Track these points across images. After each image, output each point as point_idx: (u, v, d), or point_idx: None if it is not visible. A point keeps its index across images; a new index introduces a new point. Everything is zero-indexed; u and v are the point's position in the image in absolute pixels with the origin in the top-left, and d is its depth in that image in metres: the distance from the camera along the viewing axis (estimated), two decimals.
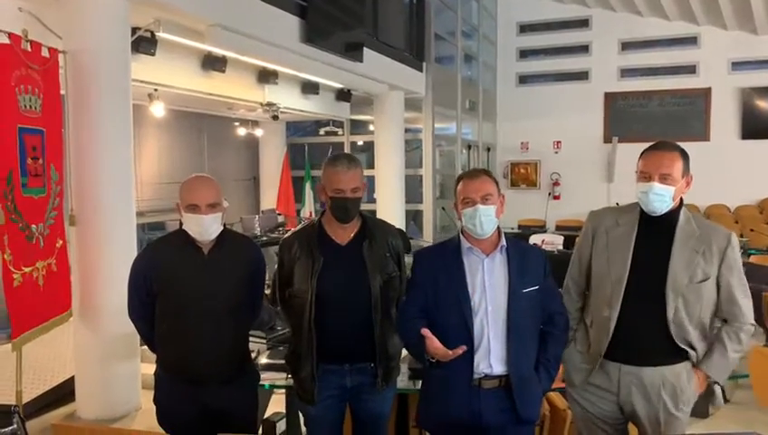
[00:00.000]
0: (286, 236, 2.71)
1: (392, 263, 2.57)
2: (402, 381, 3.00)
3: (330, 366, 2.51)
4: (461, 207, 2.31)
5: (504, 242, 2.33)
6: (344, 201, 2.46)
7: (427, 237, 10.01)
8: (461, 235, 2.35)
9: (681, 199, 2.37)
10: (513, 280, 2.27)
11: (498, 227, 2.33)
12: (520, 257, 2.32)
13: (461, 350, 2.16)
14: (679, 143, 2.39)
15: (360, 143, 11.48)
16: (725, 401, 4.20)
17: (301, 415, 2.82)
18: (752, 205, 11.60)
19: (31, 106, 3.97)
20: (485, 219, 2.26)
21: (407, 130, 10.03)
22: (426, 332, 2.20)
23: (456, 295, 2.27)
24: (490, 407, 2.25)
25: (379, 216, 9.69)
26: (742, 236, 9.22)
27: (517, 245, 2.40)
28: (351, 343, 2.50)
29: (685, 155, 2.34)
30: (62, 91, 4.33)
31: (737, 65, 11.62)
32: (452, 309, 2.26)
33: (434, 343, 2.18)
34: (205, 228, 2.49)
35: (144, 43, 5.40)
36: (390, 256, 2.57)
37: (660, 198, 2.29)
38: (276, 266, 2.66)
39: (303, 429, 2.83)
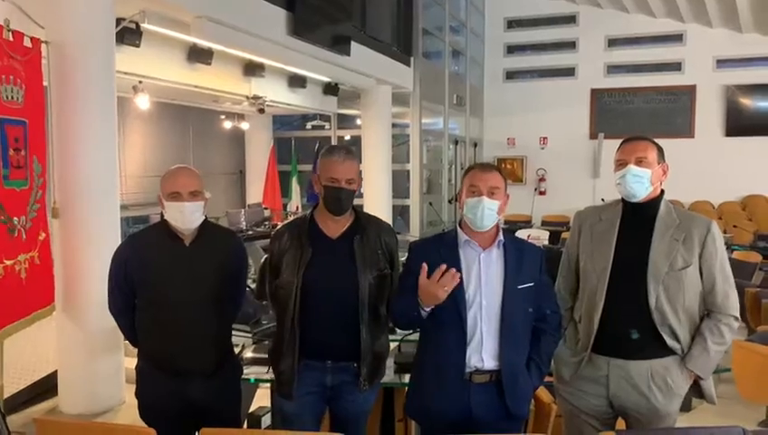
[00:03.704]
0: (278, 226, 2.66)
1: (384, 260, 2.51)
2: (388, 375, 2.98)
3: (311, 362, 2.45)
4: (465, 195, 2.28)
5: (501, 237, 2.31)
6: (338, 191, 2.41)
7: (414, 232, 10.01)
8: (458, 227, 2.33)
9: (662, 191, 2.41)
10: (509, 276, 2.25)
11: (497, 223, 2.31)
12: (517, 253, 2.30)
13: (451, 273, 2.09)
14: (664, 140, 2.46)
15: (348, 138, 11.46)
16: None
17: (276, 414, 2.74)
18: (735, 201, 11.73)
19: (13, 97, 3.92)
20: (488, 213, 2.24)
21: (394, 125, 10.02)
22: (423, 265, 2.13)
23: None
24: (480, 401, 2.24)
25: (366, 210, 9.67)
26: (725, 232, 9.31)
27: (514, 241, 2.38)
28: (335, 340, 2.44)
29: (658, 146, 2.40)
30: (45, 83, 4.27)
31: (722, 63, 11.73)
32: (446, 301, 2.20)
33: (424, 276, 2.11)
34: (187, 216, 2.47)
35: (129, 34, 5.35)
36: (382, 253, 2.51)
37: (638, 180, 2.33)
38: (263, 259, 2.63)
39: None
